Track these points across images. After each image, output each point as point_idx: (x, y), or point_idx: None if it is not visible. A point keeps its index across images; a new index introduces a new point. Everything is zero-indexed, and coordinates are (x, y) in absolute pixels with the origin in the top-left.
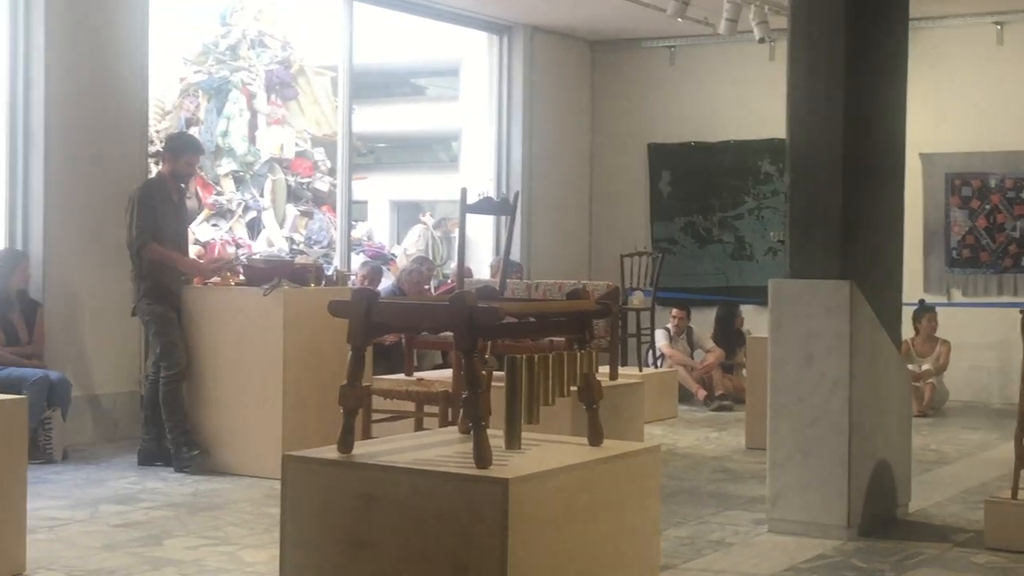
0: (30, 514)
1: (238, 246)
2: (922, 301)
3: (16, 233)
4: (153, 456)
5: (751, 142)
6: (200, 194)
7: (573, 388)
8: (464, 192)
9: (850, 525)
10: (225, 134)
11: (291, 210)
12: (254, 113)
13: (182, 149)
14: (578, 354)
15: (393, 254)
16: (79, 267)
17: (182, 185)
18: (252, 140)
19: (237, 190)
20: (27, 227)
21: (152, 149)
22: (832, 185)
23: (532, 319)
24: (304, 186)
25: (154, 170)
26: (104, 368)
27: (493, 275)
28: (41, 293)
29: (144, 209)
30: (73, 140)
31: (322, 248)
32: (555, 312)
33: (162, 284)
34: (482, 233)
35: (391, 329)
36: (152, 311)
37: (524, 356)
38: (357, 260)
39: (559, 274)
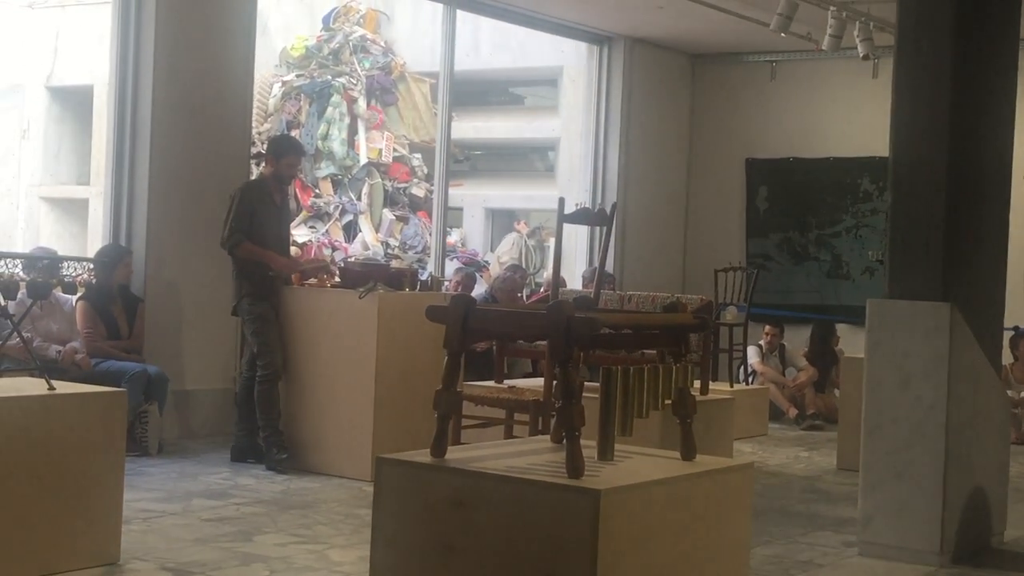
0: (125, 505)
1: (334, 248)
2: (1017, 327)
3: (120, 229)
4: (245, 453)
5: (851, 159)
6: (299, 196)
7: (667, 401)
8: (562, 202)
9: (943, 551)
10: (325, 137)
11: (387, 214)
12: (354, 117)
13: (283, 151)
14: (673, 367)
15: (486, 261)
16: (181, 265)
17: (283, 187)
18: (351, 144)
19: (335, 193)
20: (131, 224)
21: (254, 151)
22: (935, 204)
23: (628, 331)
24: (401, 191)
25: (255, 171)
26: (201, 365)
27: (585, 286)
28: (143, 289)
29: (242, 209)
30: (178, 140)
31: (416, 253)
32: (652, 324)
33: (263, 284)
34: (575, 244)
35: (487, 336)
36: (252, 311)
37: (620, 368)
38: (451, 266)
39: (652, 287)
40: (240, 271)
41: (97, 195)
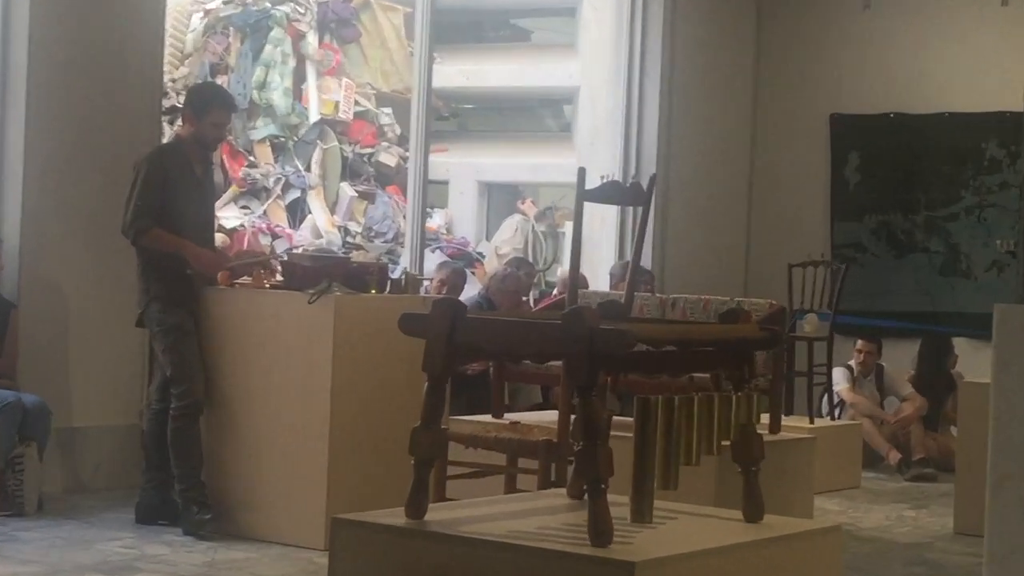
0: None
1: (275, 236)
2: None
3: None
4: (155, 512)
5: (972, 116)
6: (227, 166)
7: (725, 443)
8: (582, 174)
9: None
10: (263, 86)
11: (346, 190)
12: (301, 59)
13: (206, 105)
14: (733, 397)
15: (481, 253)
16: (67, 259)
17: (207, 154)
18: (298, 96)
19: (276, 161)
20: (0, 205)
21: (167, 104)
22: None
23: (672, 347)
24: (365, 159)
25: (169, 133)
26: (95, 393)
27: (615, 286)
28: (15, 291)
29: (150, 184)
30: (62, 92)
31: (386, 242)
32: (704, 339)
33: (179, 285)
34: (601, 229)
35: (482, 354)
36: (163, 321)
37: (661, 398)
38: (433, 259)
39: (703, 287)
40: (148, 267)
41: None
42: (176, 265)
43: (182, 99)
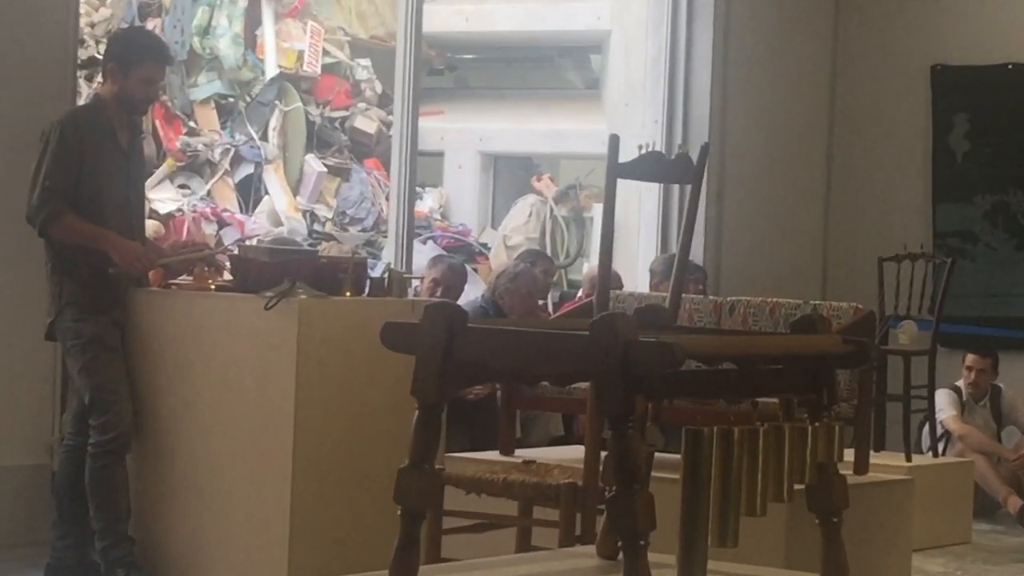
0: None
1: (222, 224)
2: None
3: None
4: (70, 573)
5: None
6: (161, 133)
7: (798, 487)
8: (614, 143)
9: None
10: (205, 32)
11: (313, 164)
12: None
13: (134, 57)
14: (809, 429)
15: (485, 245)
16: None
17: (134, 118)
18: (251, 44)
19: (223, 128)
20: None
21: (83, 56)
22: None
23: (731, 365)
24: (337, 124)
25: (86, 93)
26: None
27: (657, 286)
28: None
29: (61, 157)
30: None
31: (364, 231)
32: (772, 354)
33: (100, 287)
34: (638, 214)
35: (487, 375)
36: (79, 332)
37: (716, 430)
38: (424, 253)
39: (769, 287)
40: (59, 264)
41: None
42: (96, 261)
43: (103, 50)
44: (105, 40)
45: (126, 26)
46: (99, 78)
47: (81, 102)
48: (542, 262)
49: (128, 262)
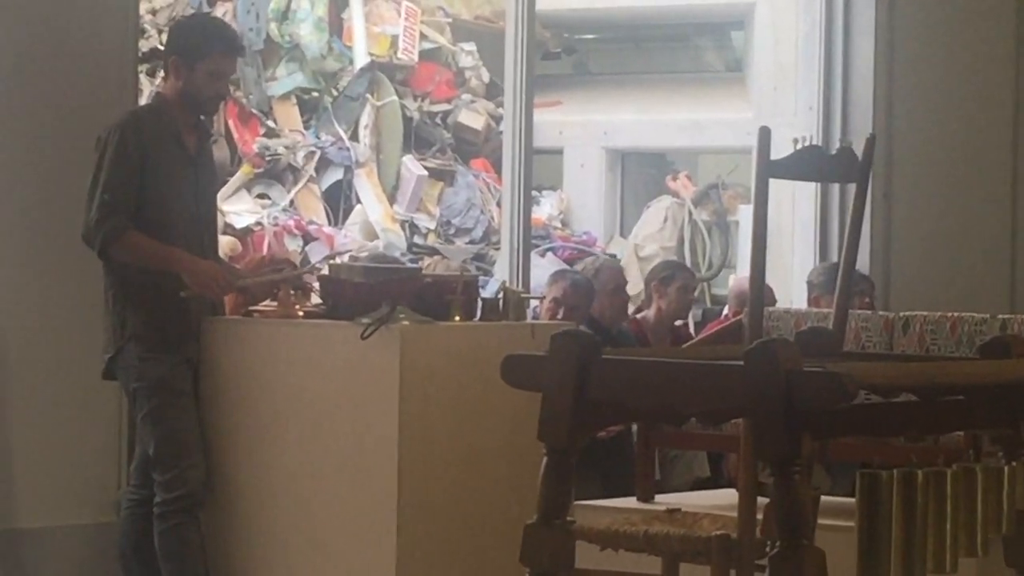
0: None
1: (308, 238)
2: None
3: None
4: None
5: None
6: (234, 135)
7: (993, 537)
8: (765, 136)
9: None
10: (284, 17)
11: (411, 167)
12: None
13: (200, 48)
14: (1004, 469)
15: (613, 255)
16: (2, 281)
17: (201, 118)
18: (336, 30)
19: (307, 127)
20: None
21: (144, 48)
22: None
23: (910, 397)
24: (438, 120)
25: (148, 91)
26: (50, 479)
27: (815, 300)
28: None
29: (121, 166)
30: None
31: (473, 243)
32: (958, 383)
33: (169, 317)
34: (793, 216)
35: (624, 415)
36: (144, 373)
37: (896, 472)
38: (543, 267)
39: (948, 300)
40: (122, 290)
41: None
42: (165, 286)
43: (165, 41)
44: (168, 29)
45: (192, 12)
46: (162, 75)
47: (142, 101)
48: (681, 275)
49: (202, 284)
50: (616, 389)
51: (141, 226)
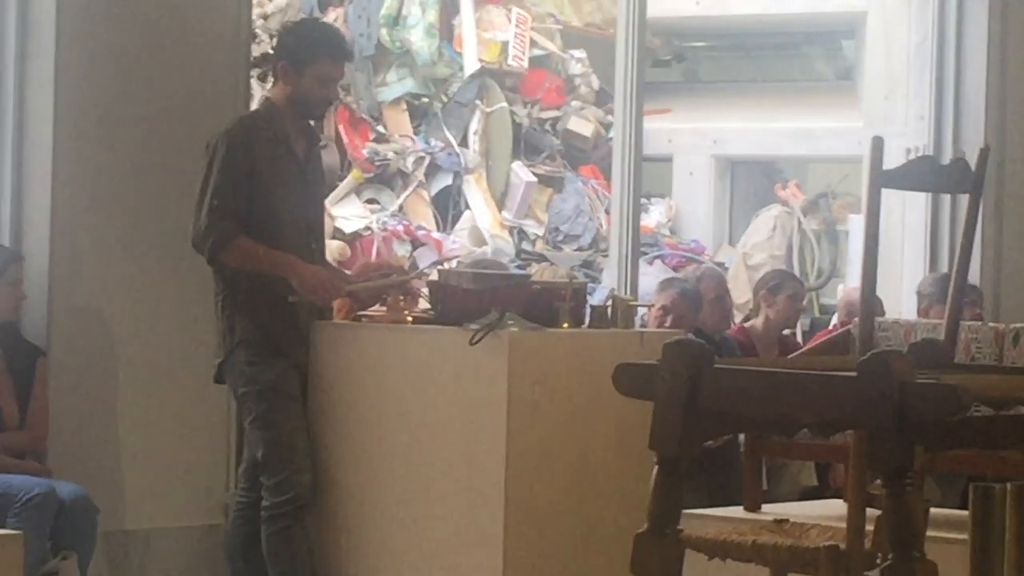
0: None
1: (417, 243)
2: None
3: (0, 221)
4: None
5: None
6: (345, 140)
7: None
8: (877, 145)
9: None
10: (395, 22)
11: (521, 173)
12: None
13: (310, 53)
14: None
15: (721, 263)
16: (115, 286)
17: (312, 124)
18: (447, 35)
19: (417, 133)
20: (19, 209)
21: (257, 52)
22: None
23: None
24: (547, 126)
25: (259, 95)
26: (159, 481)
27: (925, 311)
28: (44, 332)
29: (230, 172)
30: (105, 42)
31: (581, 250)
32: None
33: (278, 322)
34: (903, 226)
35: (736, 425)
36: (254, 377)
37: (1010, 486)
38: (651, 274)
39: None
40: (231, 296)
41: None
42: (274, 291)
43: (274, 46)
44: (276, 35)
45: (303, 17)
46: (272, 80)
47: (254, 106)
48: (790, 284)
49: (311, 289)
50: (728, 399)
51: (250, 231)
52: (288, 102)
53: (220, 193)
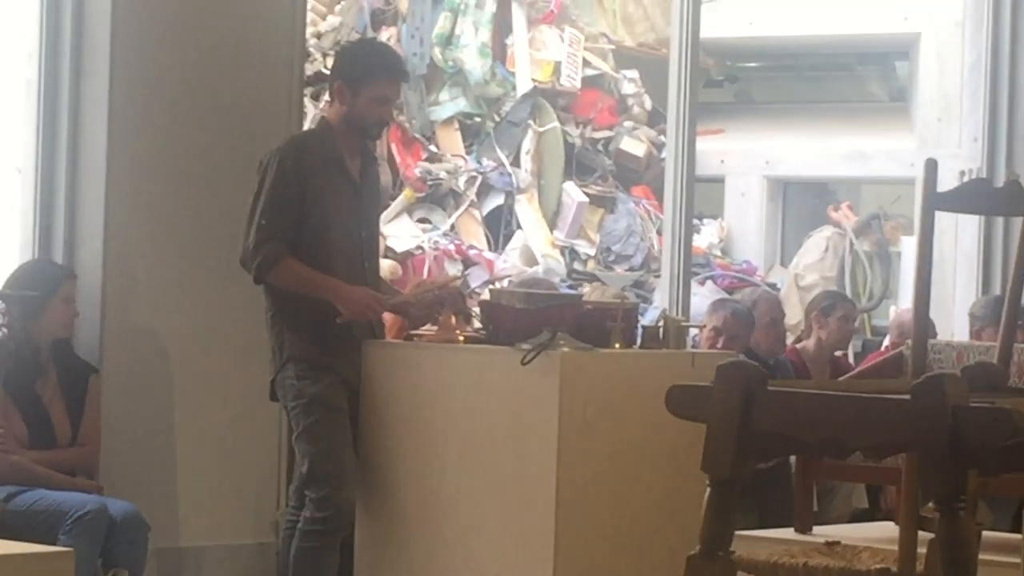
0: None
1: (468, 263)
2: None
3: (54, 234)
4: None
5: None
6: (397, 160)
7: None
8: (931, 168)
9: None
10: (448, 42)
11: (573, 193)
12: (505, 1)
13: (364, 73)
14: None
15: (773, 284)
16: (168, 304)
17: (366, 143)
18: (500, 55)
19: (469, 152)
20: (73, 226)
21: (310, 71)
22: None
23: None
24: (600, 146)
25: (312, 114)
26: (211, 499)
27: (978, 333)
28: (96, 349)
29: (280, 191)
30: (157, 59)
31: (632, 270)
32: None
33: (327, 340)
34: (955, 248)
35: (789, 447)
36: (301, 391)
37: None
38: (703, 295)
39: None
40: (281, 313)
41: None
42: (321, 310)
43: (330, 66)
44: (333, 53)
45: (357, 37)
46: (325, 98)
47: (307, 125)
48: (842, 305)
49: (355, 312)
50: (781, 421)
51: (301, 250)
52: (344, 122)
53: (269, 213)
